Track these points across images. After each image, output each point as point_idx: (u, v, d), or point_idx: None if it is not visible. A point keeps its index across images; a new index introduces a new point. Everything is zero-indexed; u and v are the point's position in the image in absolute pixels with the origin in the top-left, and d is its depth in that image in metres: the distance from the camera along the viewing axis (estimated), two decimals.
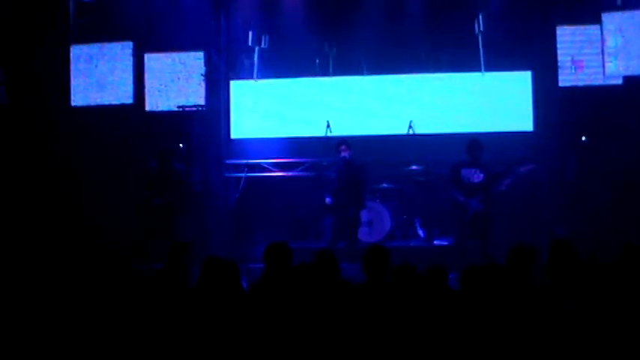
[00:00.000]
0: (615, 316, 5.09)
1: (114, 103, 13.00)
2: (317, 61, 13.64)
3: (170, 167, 11.60)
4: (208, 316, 5.40)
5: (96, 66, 13.11)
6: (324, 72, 13.67)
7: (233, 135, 13.67)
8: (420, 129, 12.90)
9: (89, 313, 5.52)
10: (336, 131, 12.86)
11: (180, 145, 11.78)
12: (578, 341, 4.97)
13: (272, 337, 5.14)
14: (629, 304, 5.20)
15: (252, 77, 13.58)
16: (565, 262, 6.50)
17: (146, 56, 13.14)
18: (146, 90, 13.09)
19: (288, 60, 13.69)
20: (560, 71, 12.48)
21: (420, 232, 12.93)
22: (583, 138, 12.64)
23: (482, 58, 12.94)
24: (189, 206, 11.90)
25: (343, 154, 11.51)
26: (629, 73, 11.87)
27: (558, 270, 6.49)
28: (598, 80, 12.26)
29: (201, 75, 13.07)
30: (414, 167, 12.82)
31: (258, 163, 13.43)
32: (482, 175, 11.04)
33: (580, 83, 12.46)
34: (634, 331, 4.98)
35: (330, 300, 5.53)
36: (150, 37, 13.13)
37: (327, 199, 11.60)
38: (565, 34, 12.49)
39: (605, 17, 11.90)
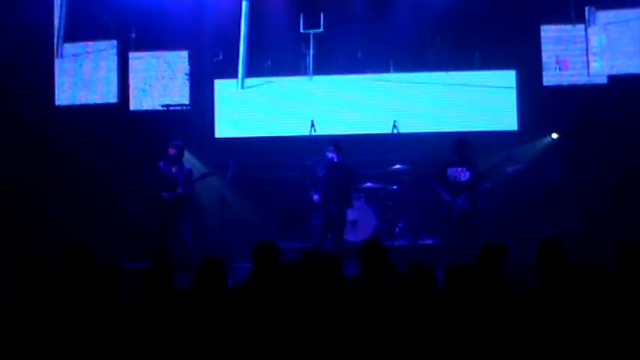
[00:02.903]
0: (604, 323, 5.06)
1: (98, 102, 12.95)
2: (301, 60, 13.61)
3: (179, 166, 11.60)
4: (196, 316, 5.37)
5: (80, 65, 13.05)
6: (308, 71, 13.65)
7: (217, 134, 13.64)
8: (405, 128, 12.94)
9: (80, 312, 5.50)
10: (321, 130, 12.87)
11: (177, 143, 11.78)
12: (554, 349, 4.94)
13: (258, 337, 5.12)
14: (620, 311, 5.17)
15: (235, 77, 13.57)
16: (551, 262, 6.52)
17: (130, 55, 13.10)
18: (130, 89, 13.06)
19: (272, 59, 13.64)
20: (544, 70, 12.52)
21: (405, 231, 12.86)
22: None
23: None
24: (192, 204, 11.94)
25: (330, 155, 11.44)
26: (613, 72, 11.95)
27: (545, 270, 6.50)
28: (582, 79, 12.31)
29: (186, 74, 13.06)
30: (398, 166, 12.81)
31: (243, 163, 13.38)
32: (468, 174, 11.06)
33: (564, 82, 12.51)
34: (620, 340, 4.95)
35: (319, 299, 5.50)
36: (134, 36, 13.10)
37: (315, 197, 11.55)
38: (549, 33, 12.52)
39: (590, 16, 11.95)
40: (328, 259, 6.57)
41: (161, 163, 11.59)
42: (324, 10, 13.37)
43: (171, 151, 11.58)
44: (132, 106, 13.11)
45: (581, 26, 12.10)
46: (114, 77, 12.94)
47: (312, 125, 12.85)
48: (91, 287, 5.84)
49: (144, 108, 13.11)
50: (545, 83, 12.56)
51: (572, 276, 5.55)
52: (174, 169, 11.57)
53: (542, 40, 12.53)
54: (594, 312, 5.07)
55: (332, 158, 11.42)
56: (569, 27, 12.39)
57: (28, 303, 5.66)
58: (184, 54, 13.12)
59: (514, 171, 11.05)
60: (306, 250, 7.62)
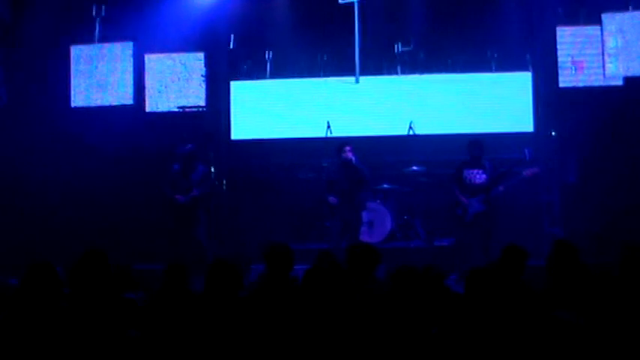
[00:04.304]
0: (613, 325, 5.05)
1: (114, 103, 12.99)
2: (317, 62, 13.65)
3: (193, 169, 11.59)
4: (211, 319, 5.38)
5: (96, 67, 13.09)
6: (324, 73, 13.67)
7: (233, 136, 13.67)
8: (421, 130, 12.94)
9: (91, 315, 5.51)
10: (337, 132, 12.87)
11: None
12: (571, 350, 4.93)
13: (273, 339, 5.13)
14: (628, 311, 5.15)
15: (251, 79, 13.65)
16: (565, 263, 6.51)
17: (146, 57, 13.13)
18: (146, 90, 13.09)
19: (289, 61, 13.68)
20: (560, 72, 12.48)
21: (421, 233, 12.86)
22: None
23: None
24: (208, 206, 11.94)
25: (350, 155, 11.36)
26: (629, 73, 11.90)
27: (558, 272, 6.49)
28: (598, 81, 12.27)
29: (202, 76, 13.08)
30: (414, 168, 12.80)
31: (259, 164, 13.42)
32: (484, 176, 11.02)
33: (580, 84, 12.46)
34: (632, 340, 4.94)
35: (335, 302, 5.50)
36: (150, 38, 13.13)
37: (331, 199, 11.51)
38: (565, 34, 12.50)
39: (606, 18, 11.94)
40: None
41: (176, 166, 11.61)
42: (342, 13, 13.43)
43: (185, 154, 11.60)
44: (148, 108, 13.13)
45: (597, 28, 12.07)
46: (129, 79, 12.97)
47: (328, 127, 12.85)
48: (107, 288, 5.86)
49: (160, 109, 13.14)
50: (561, 85, 12.51)
51: (584, 278, 5.55)
52: (188, 172, 11.56)
53: (558, 42, 12.49)
54: (604, 313, 5.07)
55: (349, 160, 11.38)
56: (584, 29, 12.37)
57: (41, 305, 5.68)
58: (200, 55, 13.13)
59: (531, 174, 11.00)
60: (322, 252, 7.64)
